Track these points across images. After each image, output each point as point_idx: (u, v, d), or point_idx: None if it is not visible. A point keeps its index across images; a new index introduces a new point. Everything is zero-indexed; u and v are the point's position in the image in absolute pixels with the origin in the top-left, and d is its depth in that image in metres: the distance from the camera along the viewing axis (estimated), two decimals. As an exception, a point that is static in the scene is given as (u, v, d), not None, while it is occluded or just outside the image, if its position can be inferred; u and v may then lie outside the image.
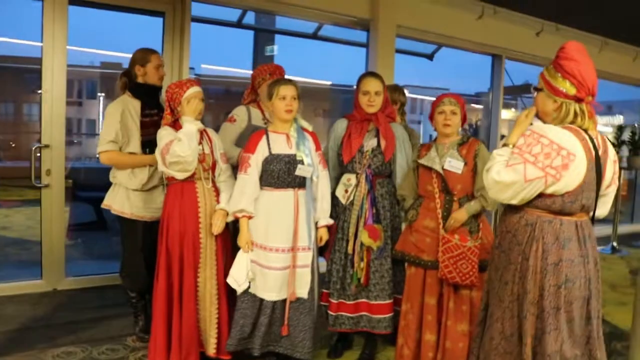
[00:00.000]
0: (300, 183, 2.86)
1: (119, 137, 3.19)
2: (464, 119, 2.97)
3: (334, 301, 3.11)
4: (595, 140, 2.03)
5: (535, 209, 2.04)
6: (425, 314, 2.91)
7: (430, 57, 7.00)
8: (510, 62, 6.83)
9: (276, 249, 2.83)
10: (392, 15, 5.39)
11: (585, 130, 2.02)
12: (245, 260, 2.83)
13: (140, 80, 3.33)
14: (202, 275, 2.90)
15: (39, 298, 4.09)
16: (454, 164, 2.87)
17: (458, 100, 2.93)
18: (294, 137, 2.87)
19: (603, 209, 2.24)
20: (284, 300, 2.88)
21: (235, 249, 2.94)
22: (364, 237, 3.02)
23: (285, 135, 2.89)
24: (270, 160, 2.81)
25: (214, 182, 2.98)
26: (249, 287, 2.85)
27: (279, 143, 2.86)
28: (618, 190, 8.67)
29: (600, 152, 2.03)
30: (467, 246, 2.78)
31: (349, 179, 3.14)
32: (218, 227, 2.89)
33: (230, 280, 2.84)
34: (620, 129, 7.05)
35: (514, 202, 2.05)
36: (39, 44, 4.14)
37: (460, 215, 2.85)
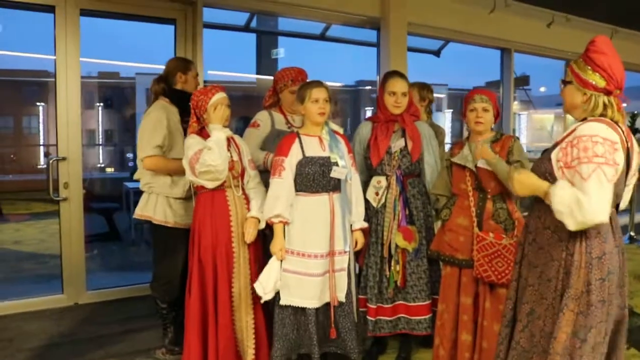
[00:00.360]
0: (335, 186, 2.83)
1: (165, 142, 3.14)
2: (497, 115, 2.90)
3: (372, 306, 3.05)
4: (625, 132, 2.05)
5: None
6: (461, 314, 2.87)
7: (437, 53, 6.95)
8: (495, 55, 6.78)
9: (315, 255, 2.78)
10: (402, 13, 5.34)
11: (617, 123, 2.03)
12: (277, 268, 2.76)
13: (179, 87, 3.31)
14: (236, 285, 2.85)
15: (62, 313, 4.05)
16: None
17: (490, 96, 2.86)
18: (327, 139, 2.83)
19: (625, 198, 2.21)
20: (325, 305, 2.84)
21: (267, 257, 2.89)
22: (399, 239, 2.97)
23: (318, 138, 2.85)
24: (305, 163, 2.76)
25: (243, 189, 2.93)
26: (278, 299, 2.79)
27: (312, 146, 2.82)
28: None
29: (628, 145, 2.05)
30: (502, 244, 2.73)
31: (379, 181, 3.09)
32: (251, 235, 2.84)
33: (257, 286, 2.75)
34: (633, 116, 6.98)
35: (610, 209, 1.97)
36: (50, 56, 4.11)
37: (487, 152, 2.74)
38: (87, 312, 4.08)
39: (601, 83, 2.01)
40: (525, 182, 2.11)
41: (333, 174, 2.77)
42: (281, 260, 2.79)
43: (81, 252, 4.21)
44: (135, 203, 7.19)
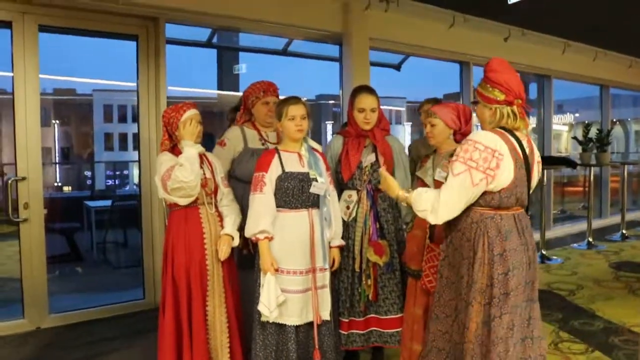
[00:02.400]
0: (314, 202, 2.81)
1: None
2: (461, 127, 2.86)
3: (344, 320, 3.05)
4: (523, 141, 2.29)
5: (478, 207, 2.28)
6: (413, 323, 2.89)
7: (397, 67, 7.07)
8: (453, 68, 6.96)
9: (294, 271, 2.76)
10: (364, 28, 5.41)
11: (512, 133, 2.28)
12: (274, 284, 2.70)
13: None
14: (210, 304, 2.81)
15: (23, 338, 3.88)
16: (442, 174, 2.80)
17: (437, 110, 2.83)
18: (306, 156, 2.82)
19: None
20: (307, 324, 2.80)
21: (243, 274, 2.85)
22: (370, 253, 2.98)
23: (297, 154, 2.84)
24: (284, 178, 2.76)
25: (216, 206, 2.91)
26: (257, 319, 2.75)
27: (292, 162, 2.81)
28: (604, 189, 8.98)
29: (527, 152, 2.30)
30: None
31: (350, 195, 3.10)
32: (224, 252, 2.81)
33: (261, 308, 2.68)
34: (587, 126, 7.24)
35: (463, 207, 2.27)
36: (5, 73, 3.99)
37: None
38: (51, 337, 3.93)
39: (501, 96, 2.27)
40: (390, 185, 2.46)
41: (312, 190, 2.77)
42: (275, 275, 2.73)
43: (43, 274, 4.06)
44: (97, 222, 7.04)
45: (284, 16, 5.00)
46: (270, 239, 2.74)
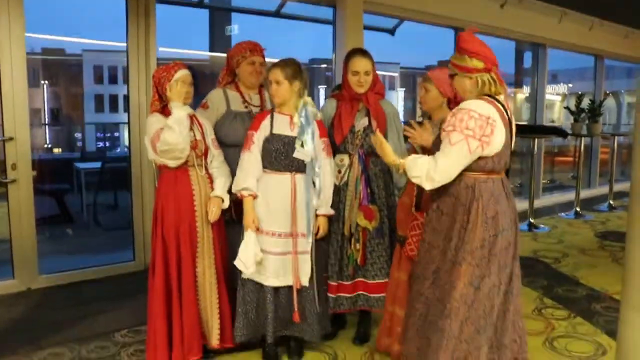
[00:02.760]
0: (299, 167, 2.80)
1: None
2: (450, 92, 2.79)
3: (333, 283, 3.08)
4: (505, 105, 2.35)
5: (471, 172, 2.32)
6: (396, 288, 2.90)
7: (392, 32, 6.99)
8: (448, 34, 6.86)
9: (272, 233, 2.79)
10: (359, -9, 5.32)
11: (496, 98, 2.34)
12: (253, 241, 2.74)
13: None
14: (200, 265, 2.83)
15: (14, 299, 3.91)
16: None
17: (434, 76, 2.82)
18: (298, 120, 2.79)
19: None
20: (286, 287, 2.84)
21: (231, 238, 2.87)
22: (360, 218, 2.99)
23: (289, 117, 2.83)
24: (270, 140, 2.78)
25: (207, 168, 2.89)
26: (239, 277, 2.80)
27: (282, 124, 2.82)
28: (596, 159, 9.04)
29: (509, 116, 2.36)
30: None
31: (342, 159, 3.09)
32: (214, 214, 2.81)
33: (238, 263, 2.74)
34: (579, 97, 7.23)
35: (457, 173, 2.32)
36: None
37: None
38: (41, 297, 3.96)
39: (480, 65, 2.32)
40: (386, 151, 2.48)
41: (296, 154, 2.76)
42: (256, 232, 2.76)
43: (32, 235, 4.07)
44: (87, 184, 7.01)
45: (277, -23, 4.91)
46: (254, 196, 2.78)
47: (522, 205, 6.41)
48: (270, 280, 2.81)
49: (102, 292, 4.10)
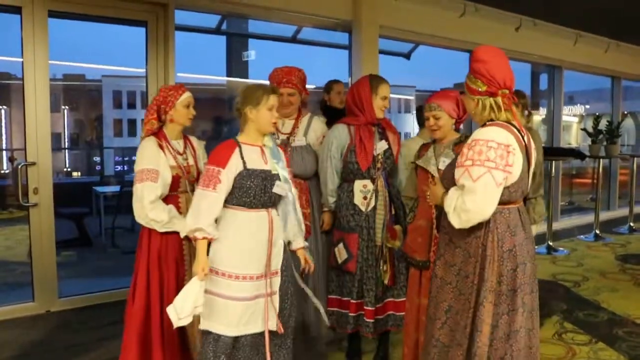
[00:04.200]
0: (274, 202, 2.56)
1: None
2: (460, 115, 2.82)
3: (370, 309, 3.05)
4: (519, 129, 2.23)
5: None
6: (421, 314, 2.81)
7: (407, 56, 7.04)
8: (463, 57, 6.90)
9: (243, 276, 2.44)
10: (374, 16, 5.39)
11: (511, 123, 2.21)
12: (197, 290, 2.36)
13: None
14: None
15: (33, 321, 3.95)
16: (448, 162, 2.73)
17: (440, 102, 2.78)
18: (269, 149, 2.56)
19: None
20: (252, 336, 2.51)
21: None
22: (386, 239, 3.04)
23: (260, 148, 2.54)
24: (246, 176, 2.44)
25: None
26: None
27: (254, 157, 2.49)
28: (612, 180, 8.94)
29: (525, 140, 2.23)
30: None
31: (365, 185, 3.10)
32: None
33: (169, 310, 2.35)
34: (597, 118, 7.19)
35: (492, 211, 2.16)
36: (14, 58, 4.02)
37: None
38: (60, 320, 3.99)
39: (482, 87, 2.21)
40: (434, 193, 2.38)
41: (276, 190, 2.51)
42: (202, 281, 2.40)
43: (52, 258, 4.12)
44: (106, 208, 7.08)
45: (294, 3, 5.00)
46: (210, 240, 2.44)
47: (540, 228, 6.34)
48: (230, 329, 2.44)
49: (120, 315, 4.09)
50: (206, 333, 2.47)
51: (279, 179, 2.52)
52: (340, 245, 3.12)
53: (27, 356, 3.38)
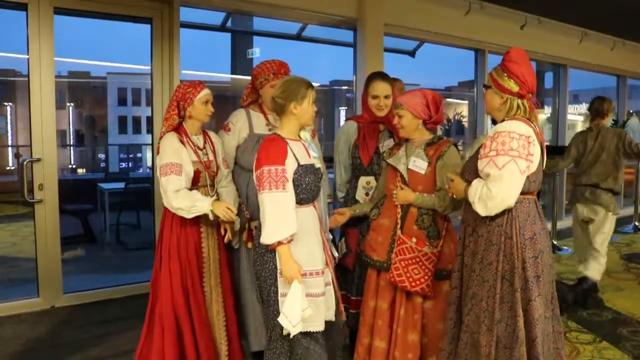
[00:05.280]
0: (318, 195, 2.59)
1: None
2: (432, 115, 2.72)
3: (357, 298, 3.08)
4: (537, 125, 2.35)
5: None
6: (377, 318, 2.74)
7: (412, 53, 7.02)
8: (468, 55, 6.90)
9: (317, 272, 2.44)
10: (379, 14, 5.38)
11: (529, 119, 2.33)
12: (300, 295, 2.29)
13: None
14: (207, 284, 2.81)
15: (38, 317, 3.97)
16: (419, 164, 2.70)
17: (404, 101, 2.70)
18: (307, 142, 2.54)
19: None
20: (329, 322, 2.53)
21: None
22: None
23: (301, 143, 2.51)
24: (302, 173, 2.40)
25: (215, 188, 2.89)
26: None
27: (301, 152, 2.46)
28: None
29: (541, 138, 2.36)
30: (423, 251, 2.63)
31: (368, 182, 3.11)
32: (229, 236, 2.80)
33: (282, 320, 2.28)
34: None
35: (516, 198, 2.25)
36: (19, 55, 4.03)
37: (406, 194, 2.63)
38: (65, 316, 4.01)
39: (515, 88, 2.31)
40: (456, 188, 2.43)
41: (323, 183, 2.56)
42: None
43: (57, 254, 4.14)
44: (111, 204, 7.11)
45: (299, 1, 4.99)
46: (291, 240, 2.36)
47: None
48: (317, 324, 2.44)
49: (124, 311, 4.13)
50: (303, 336, 2.42)
51: (321, 173, 2.55)
52: (343, 240, 3.15)
53: (32, 351, 3.39)
